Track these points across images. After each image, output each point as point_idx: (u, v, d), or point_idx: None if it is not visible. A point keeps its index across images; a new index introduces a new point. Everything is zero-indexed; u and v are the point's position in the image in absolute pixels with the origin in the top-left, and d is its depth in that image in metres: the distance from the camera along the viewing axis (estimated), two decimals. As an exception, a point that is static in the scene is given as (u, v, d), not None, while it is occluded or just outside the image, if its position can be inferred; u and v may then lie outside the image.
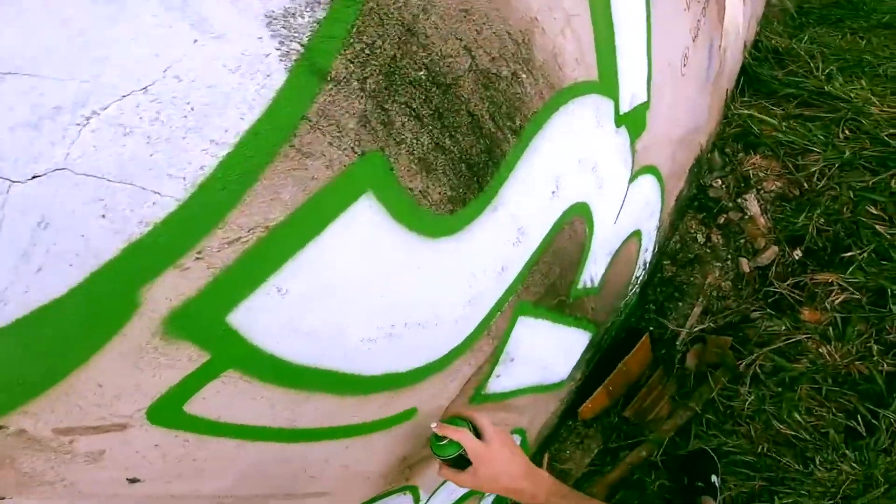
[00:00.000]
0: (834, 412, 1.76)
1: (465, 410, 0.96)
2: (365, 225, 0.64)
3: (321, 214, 0.58)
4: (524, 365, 1.26)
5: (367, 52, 0.55)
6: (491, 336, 1.06)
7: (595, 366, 2.14)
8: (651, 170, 1.69)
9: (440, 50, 0.63)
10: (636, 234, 1.82)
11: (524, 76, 0.77)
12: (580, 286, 1.39)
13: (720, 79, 2.17)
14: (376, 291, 0.71)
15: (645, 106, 1.44)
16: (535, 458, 2.22)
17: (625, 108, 1.28)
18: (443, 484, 1.40)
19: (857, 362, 1.75)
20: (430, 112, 0.64)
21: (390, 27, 0.56)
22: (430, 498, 1.35)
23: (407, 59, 0.59)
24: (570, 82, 0.93)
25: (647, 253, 2.10)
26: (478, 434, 0.89)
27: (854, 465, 1.64)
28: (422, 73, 0.61)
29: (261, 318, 0.59)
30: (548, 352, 1.46)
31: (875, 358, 1.73)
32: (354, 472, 0.95)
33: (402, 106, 0.60)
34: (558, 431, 2.23)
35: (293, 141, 0.51)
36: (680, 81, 1.69)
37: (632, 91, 1.28)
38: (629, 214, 1.61)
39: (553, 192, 0.98)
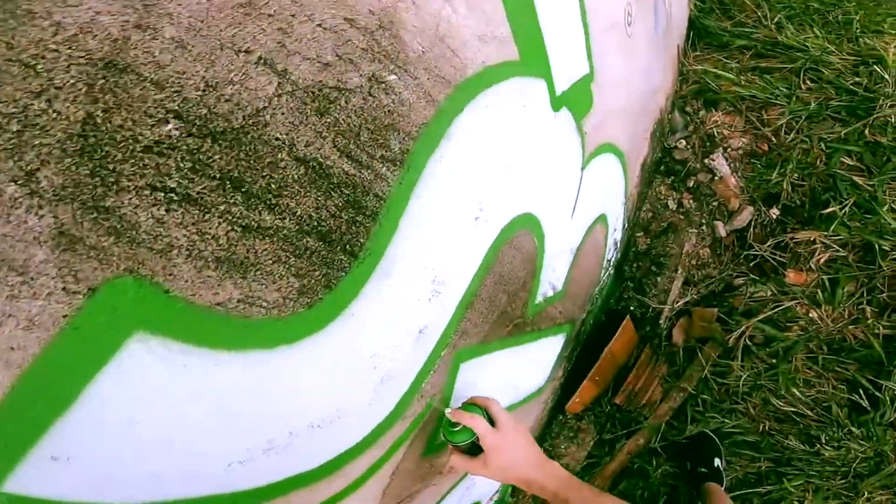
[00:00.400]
0: (834, 384, 1.62)
1: (479, 397, 0.91)
2: (155, 373, 0.46)
3: (64, 384, 0.40)
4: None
5: (27, 126, 0.33)
6: (425, 396, 0.87)
7: (577, 358, 1.98)
8: (608, 148, 1.49)
9: (203, 77, 0.41)
10: (601, 219, 1.63)
11: (392, 78, 0.55)
12: (538, 300, 1.20)
13: (670, 33, 1.97)
14: (219, 425, 0.54)
15: (588, 78, 1.23)
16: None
17: (562, 86, 1.07)
18: None
19: (850, 326, 1.60)
20: (212, 185, 0.43)
21: (64, 71, 0.34)
22: None
23: (124, 115, 0.37)
24: (476, 69, 0.71)
25: (616, 233, 1.92)
26: (492, 422, 0.86)
27: (862, 441, 1.51)
28: (169, 127, 0.39)
29: (47, 481, 0.44)
30: (513, 374, 1.28)
31: (870, 321, 1.58)
32: None
33: (144, 192, 0.39)
34: (549, 428, 2.09)
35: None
36: (626, 42, 1.48)
37: (568, 63, 1.07)
38: (589, 202, 1.42)
39: (477, 218, 0.77)
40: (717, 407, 1.82)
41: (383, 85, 0.54)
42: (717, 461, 1.78)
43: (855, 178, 1.67)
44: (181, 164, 0.41)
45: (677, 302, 2.09)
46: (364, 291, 0.62)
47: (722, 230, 2.02)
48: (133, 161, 0.38)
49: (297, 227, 0.51)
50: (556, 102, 1.06)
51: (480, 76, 0.71)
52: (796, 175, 1.80)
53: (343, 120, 0.52)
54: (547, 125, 1.03)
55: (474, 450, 0.87)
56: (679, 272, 2.13)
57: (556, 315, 1.41)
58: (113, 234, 0.39)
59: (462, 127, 0.70)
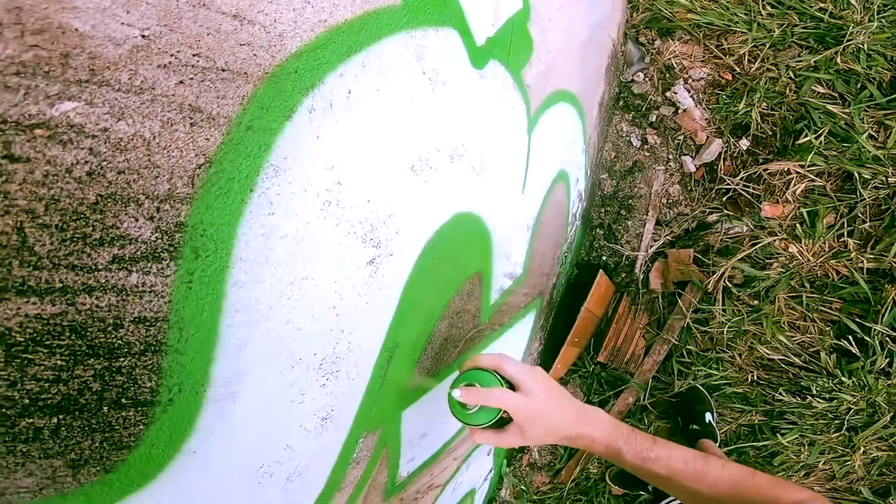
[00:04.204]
0: (820, 327, 1.41)
1: (486, 357, 0.68)
2: None
3: None
4: (447, 420, 0.85)
5: None
6: (361, 461, 0.62)
7: (552, 322, 1.75)
8: (559, 96, 1.18)
9: None
10: (561, 177, 1.35)
11: (69, 107, 0.25)
12: (494, 299, 0.93)
13: None
14: None
15: (523, 16, 0.90)
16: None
17: (485, 31, 0.75)
18: None
19: (833, 261, 1.37)
20: None
21: None
22: None
23: None
24: (307, 39, 0.40)
25: (579, 183, 1.65)
26: (510, 386, 0.65)
27: (853, 392, 1.32)
28: None
29: None
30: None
31: (852, 254, 1.35)
32: None
33: None
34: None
35: None
36: None
37: (489, 3, 0.75)
38: (543, 165, 1.13)
39: (372, 261, 0.49)
40: (703, 357, 1.64)
41: (42, 130, 0.24)
42: (707, 416, 1.63)
43: (828, 107, 1.39)
44: None
45: (651, 246, 1.85)
46: (200, 426, 0.38)
47: (691, 165, 1.75)
48: None
49: None
50: (479, 56, 0.75)
51: (318, 49, 0.39)
52: (765, 105, 1.53)
53: None
54: (468, 89, 0.72)
55: (499, 422, 0.66)
56: (650, 213, 1.88)
57: (519, 301, 1.16)
58: None
59: (301, 140, 0.40)
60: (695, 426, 1.60)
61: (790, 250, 1.46)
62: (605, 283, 1.86)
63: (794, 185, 1.44)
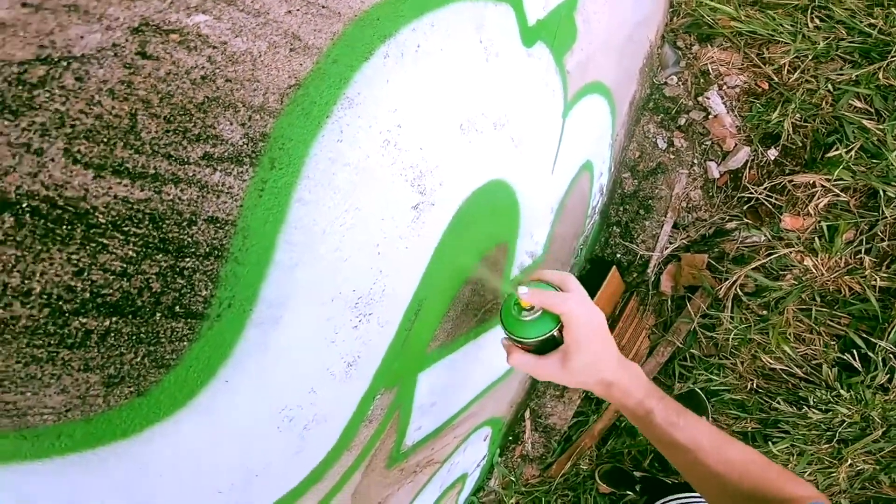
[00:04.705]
0: (825, 340, 1.43)
1: (550, 273, 0.64)
2: None
3: None
4: (456, 392, 0.88)
5: None
6: (375, 421, 0.65)
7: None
8: (594, 87, 1.20)
9: None
10: (586, 167, 1.37)
11: (202, 20, 0.29)
12: (515, 274, 0.96)
13: None
14: None
15: (570, 6, 0.93)
16: (515, 417, 1.97)
17: (536, 14, 0.78)
18: None
19: (846, 277, 1.39)
20: None
21: None
22: None
23: None
24: None
25: (602, 177, 1.67)
26: None
27: (850, 405, 1.34)
28: None
29: None
30: (488, 359, 1.07)
31: (867, 272, 1.37)
32: None
33: None
34: (534, 389, 1.94)
35: None
36: None
37: (544, -16, 0.77)
38: (572, 151, 1.15)
39: (417, 206, 0.52)
40: (705, 362, 1.66)
41: (176, 36, 0.27)
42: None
43: (863, 122, 1.40)
44: None
45: (666, 248, 1.86)
46: (239, 350, 0.40)
47: (715, 171, 1.76)
48: None
49: (44, 312, 0.27)
50: (529, 35, 0.77)
51: (398, 2, 0.43)
52: (798, 116, 1.53)
53: (75, 111, 0.25)
54: (516, 65, 0.74)
55: (543, 346, 0.61)
56: (668, 215, 1.89)
57: (536, 282, 1.19)
58: None
59: (374, 81, 0.43)
60: (690, 428, 1.63)
61: (805, 263, 1.48)
62: (616, 280, 1.88)
63: (818, 198, 1.45)
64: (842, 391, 1.37)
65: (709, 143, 1.76)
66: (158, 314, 0.33)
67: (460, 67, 0.58)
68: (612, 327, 1.91)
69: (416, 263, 0.58)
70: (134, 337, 0.33)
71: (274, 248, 0.38)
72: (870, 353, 1.36)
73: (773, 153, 1.60)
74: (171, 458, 0.40)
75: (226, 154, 0.32)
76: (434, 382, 0.83)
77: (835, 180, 1.43)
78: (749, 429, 1.60)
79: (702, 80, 1.77)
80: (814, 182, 1.47)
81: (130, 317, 0.32)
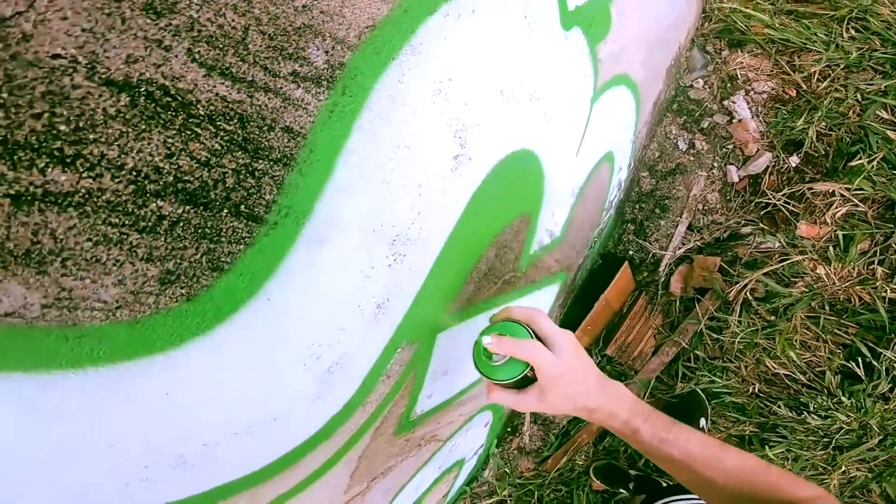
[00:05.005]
0: (831, 348, 1.47)
1: (519, 310, 0.67)
2: None
3: None
4: (468, 364, 0.93)
5: None
6: (392, 378, 0.70)
7: (569, 306, 1.83)
8: (623, 79, 1.25)
9: None
10: (607, 157, 1.42)
11: None
12: (534, 250, 1.02)
13: None
14: (88, 453, 0.38)
15: (607, -2, 0.97)
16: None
17: (575, 1, 0.82)
18: (398, 493, 1.14)
19: (857, 287, 1.43)
20: None
21: None
22: None
23: None
24: None
25: (621, 172, 1.71)
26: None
27: (849, 413, 1.39)
28: None
29: None
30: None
31: (878, 283, 1.40)
32: None
33: None
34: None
35: None
36: None
37: (586, -26, 0.82)
38: (597, 139, 1.20)
39: (457, 157, 0.57)
40: (709, 364, 1.70)
41: None
42: (702, 421, 1.69)
43: (888, 133, 1.44)
44: None
45: (679, 248, 1.90)
46: (285, 267, 0.43)
47: (735, 175, 1.80)
48: None
49: (131, 188, 0.31)
50: (567, 20, 0.83)
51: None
52: (824, 124, 1.56)
53: (204, 19, 0.30)
54: (554, 44, 0.79)
55: (520, 382, 0.65)
56: (684, 216, 1.93)
57: (551, 264, 1.24)
58: None
59: (435, 36, 0.49)
60: (688, 430, 1.67)
61: (818, 271, 1.52)
62: (627, 276, 1.92)
63: (836, 207, 1.49)
64: (843, 398, 1.41)
65: (730, 146, 1.80)
66: (225, 210, 0.37)
67: (506, 37, 0.63)
68: (619, 324, 1.95)
69: (450, 213, 0.64)
70: (199, 230, 0.36)
71: (333, 168, 0.43)
72: (874, 363, 1.40)
73: (794, 160, 1.63)
74: (201, 381, 0.43)
75: (309, 74, 0.38)
76: (450, 349, 0.87)
77: (854, 190, 1.47)
78: (747, 432, 1.64)
79: (728, 85, 1.81)
80: (833, 191, 1.51)
81: (201, 208, 0.35)
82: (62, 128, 0.26)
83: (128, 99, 0.29)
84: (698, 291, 1.85)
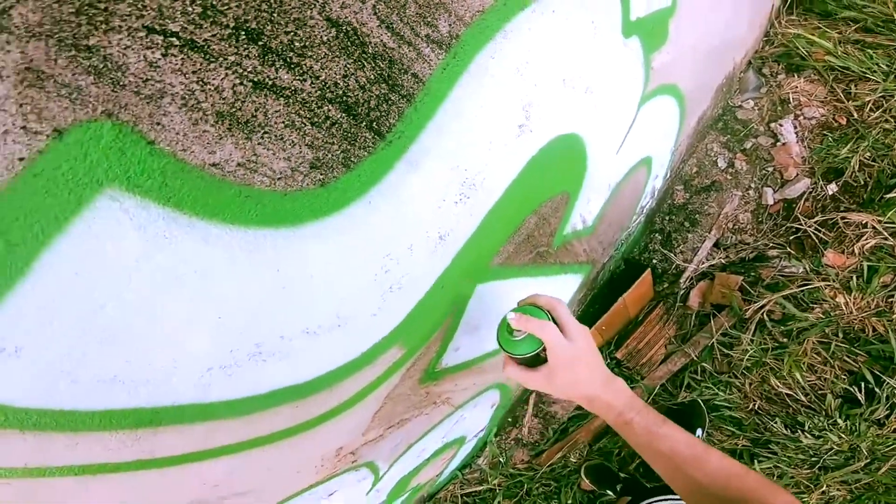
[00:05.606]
0: (837, 373, 1.57)
1: (543, 297, 0.77)
2: (128, 240, 0.40)
3: (10, 246, 0.35)
4: (492, 331, 1.06)
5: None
6: (433, 315, 0.85)
7: (588, 303, 1.95)
8: (670, 89, 1.37)
9: None
10: (645, 162, 1.54)
11: None
12: (567, 231, 1.15)
13: None
14: (202, 315, 0.49)
15: (668, 12, 1.11)
16: (520, 398, 2.13)
17: (638, 12, 0.96)
18: (404, 454, 1.27)
19: (874, 318, 1.53)
20: (224, 33, 0.37)
21: None
22: (391, 466, 1.23)
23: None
24: None
25: (656, 180, 1.83)
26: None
27: (842, 434, 1.49)
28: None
29: None
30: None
31: (894, 315, 1.50)
32: (278, 472, 0.82)
33: (138, 34, 0.34)
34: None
35: None
36: None
37: (647, -7, 0.95)
38: (637, 141, 1.33)
39: (521, 126, 0.71)
40: (715, 378, 1.81)
41: None
42: (698, 431, 1.78)
43: None
44: (189, 9, 0.35)
45: (703, 263, 2.01)
46: (387, 179, 0.57)
47: (770, 197, 1.90)
48: (131, 1, 0.33)
49: (318, 93, 0.45)
50: (628, 28, 0.96)
51: (552, -23, 0.62)
52: (868, 154, 1.65)
53: None
54: (613, 48, 0.93)
55: (533, 361, 0.75)
56: (712, 232, 2.04)
57: (580, 252, 1.37)
58: (93, 73, 0.33)
59: (522, 26, 0.63)
60: (682, 437, 1.76)
61: (837, 300, 1.62)
62: (648, 284, 2.03)
63: (866, 239, 1.58)
64: (839, 420, 1.52)
65: (770, 169, 1.91)
66: (364, 123, 0.51)
67: (574, 35, 0.77)
68: (632, 330, 2.07)
69: (509, 171, 0.78)
70: (345, 133, 0.49)
71: (436, 110, 0.58)
72: (876, 389, 1.50)
73: (832, 188, 1.73)
74: (305, 264, 0.54)
75: (436, 38, 0.53)
76: (483, 305, 1.01)
77: (886, 222, 1.56)
78: (739, 446, 1.75)
79: (779, 108, 1.91)
80: (866, 222, 1.61)
81: (351, 117, 0.49)
82: (296, 43, 0.42)
83: (334, 31, 0.44)
84: (715, 308, 1.95)
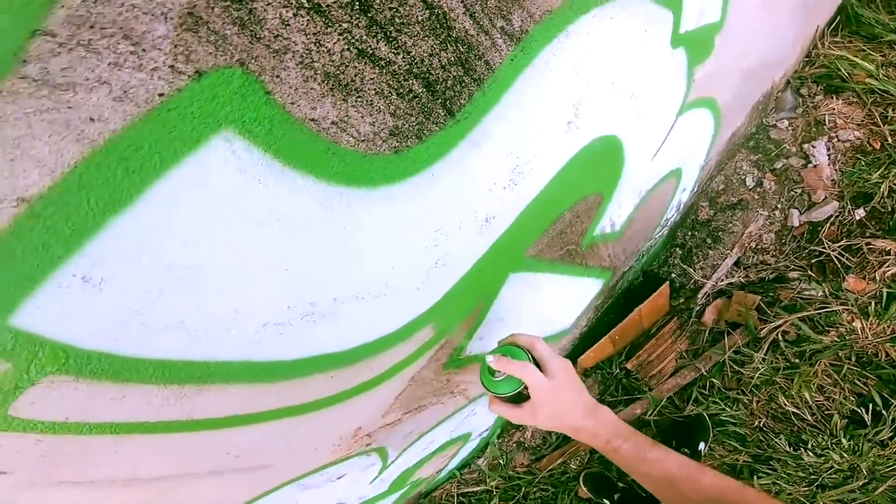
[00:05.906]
0: (846, 394, 1.60)
1: (522, 336, 0.84)
2: (229, 180, 0.44)
3: (128, 172, 0.38)
4: (516, 323, 1.11)
5: None
6: (466, 301, 0.90)
7: (604, 311, 1.99)
8: (708, 103, 1.42)
9: None
10: (675, 173, 1.58)
11: None
12: (596, 233, 1.20)
13: (814, 10, 1.78)
14: (272, 266, 0.54)
15: (715, 27, 1.16)
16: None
17: (688, 25, 1.01)
18: (413, 443, 1.32)
19: (888, 344, 1.56)
20: (343, 1, 0.43)
21: None
22: (399, 455, 1.28)
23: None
24: None
25: (683, 193, 1.87)
26: (537, 365, 0.80)
27: (844, 454, 1.52)
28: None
29: (66, 316, 0.42)
30: (548, 305, 1.31)
31: (909, 343, 1.54)
32: (296, 448, 0.86)
33: None
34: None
35: (23, 70, 0.31)
36: (768, 4, 1.36)
37: (700, 5, 0.99)
38: (672, 151, 1.37)
39: (570, 122, 0.76)
40: (723, 394, 1.84)
41: None
42: (701, 445, 1.81)
43: None
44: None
45: (722, 280, 2.05)
46: (451, 155, 0.62)
47: (796, 219, 1.93)
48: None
49: (407, 67, 0.50)
50: (677, 40, 1.01)
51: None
52: (899, 181, 1.68)
53: None
54: (661, 58, 0.98)
55: (517, 398, 0.80)
56: (734, 250, 2.07)
57: (604, 256, 1.42)
58: (238, 24, 0.38)
59: (583, 28, 0.68)
60: (686, 450, 1.78)
61: (854, 324, 1.65)
62: (664, 297, 2.07)
63: (889, 266, 1.62)
64: (843, 440, 1.55)
65: (798, 191, 1.94)
66: (440, 100, 0.56)
67: (628, 42, 0.82)
68: (644, 342, 2.10)
69: (554, 164, 0.84)
70: (422, 107, 0.54)
71: (501, 97, 0.63)
72: (883, 411, 1.53)
73: (860, 213, 1.76)
74: (371, 226, 0.59)
75: (508, 31, 0.58)
76: (515, 293, 1.06)
77: (911, 251, 1.59)
78: (740, 461, 1.78)
79: (813, 129, 1.93)
80: (890, 250, 1.64)
81: (430, 93, 0.55)
82: (397, 19, 0.47)
83: (427, 13, 0.50)
84: (730, 325, 1.98)
